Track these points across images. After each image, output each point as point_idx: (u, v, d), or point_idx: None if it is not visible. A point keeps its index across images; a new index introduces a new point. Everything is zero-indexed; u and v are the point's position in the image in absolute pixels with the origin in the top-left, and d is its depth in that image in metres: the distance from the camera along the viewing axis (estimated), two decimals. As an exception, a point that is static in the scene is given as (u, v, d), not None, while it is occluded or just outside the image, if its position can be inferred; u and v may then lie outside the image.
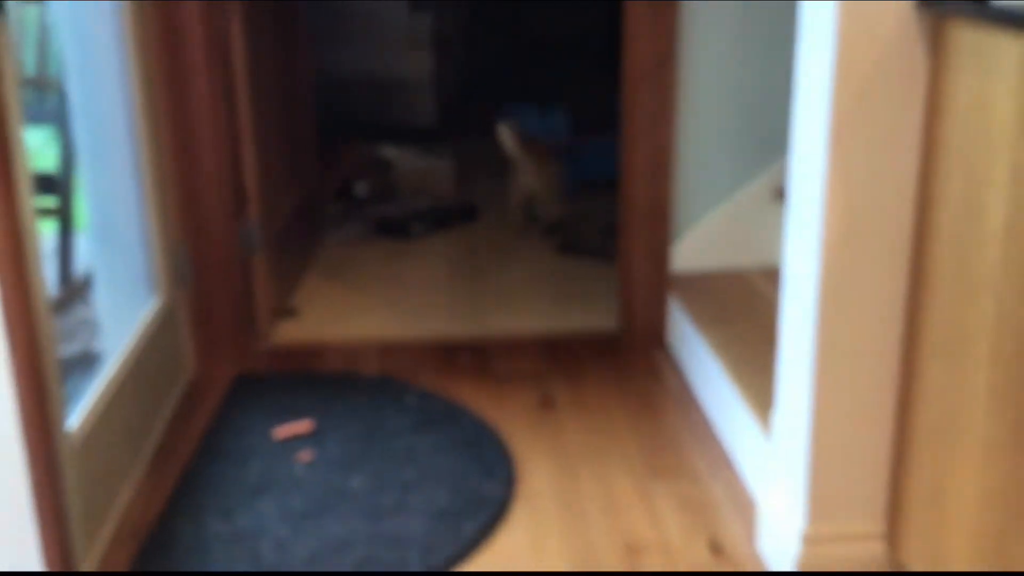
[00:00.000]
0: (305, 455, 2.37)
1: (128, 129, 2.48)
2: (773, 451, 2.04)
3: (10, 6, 1.72)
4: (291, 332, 3.12)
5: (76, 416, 2.01)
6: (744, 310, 2.67)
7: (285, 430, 2.48)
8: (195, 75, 2.67)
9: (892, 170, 1.72)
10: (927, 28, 1.66)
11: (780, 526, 1.97)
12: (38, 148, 3.59)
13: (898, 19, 1.66)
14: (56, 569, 1.83)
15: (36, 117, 3.48)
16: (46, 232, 3.41)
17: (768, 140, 2.83)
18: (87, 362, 2.74)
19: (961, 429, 1.61)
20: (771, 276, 2.80)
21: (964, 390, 1.59)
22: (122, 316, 2.50)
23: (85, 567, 1.95)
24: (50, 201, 3.32)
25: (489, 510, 2.17)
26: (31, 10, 3.45)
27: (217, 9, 2.71)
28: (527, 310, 3.29)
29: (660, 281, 2.94)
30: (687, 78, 2.80)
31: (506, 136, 3.96)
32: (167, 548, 2.07)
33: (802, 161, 1.82)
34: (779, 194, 2.80)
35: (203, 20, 2.65)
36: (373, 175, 4.38)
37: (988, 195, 1.50)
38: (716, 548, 2.08)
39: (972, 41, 1.55)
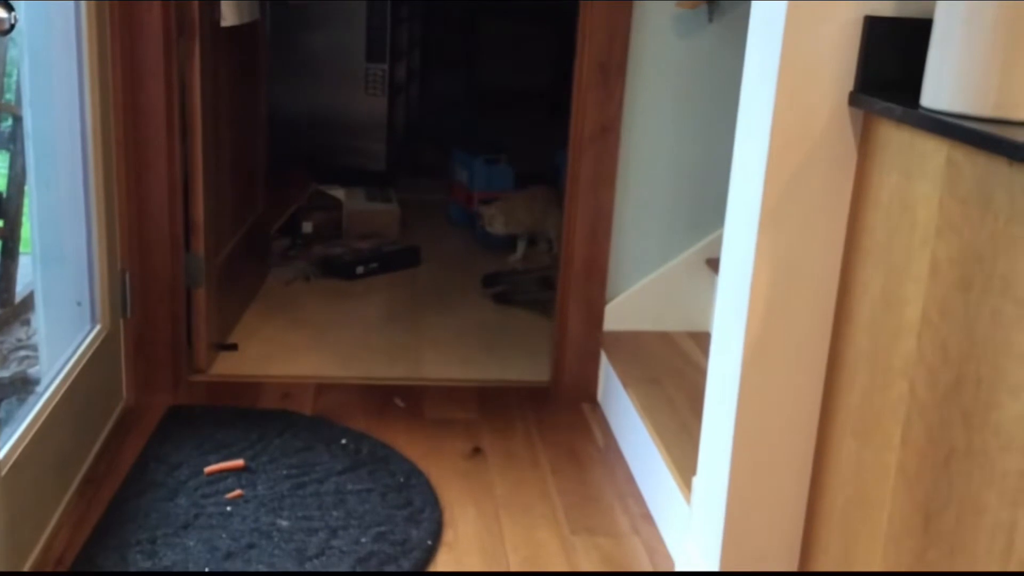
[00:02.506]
0: (235, 492, 2.39)
1: (81, 157, 2.50)
2: (692, 514, 2.11)
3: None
4: (229, 366, 3.14)
5: (6, 443, 2.00)
6: (673, 374, 2.74)
7: (216, 467, 2.49)
8: (153, 109, 2.71)
9: (817, 255, 1.80)
10: (858, 124, 1.75)
11: (695, 588, 2.03)
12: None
13: (831, 113, 1.74)
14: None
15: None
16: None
17: (703, 213, 2.94)
18: (23, 386, 2.73)
19: (871, 505, 1.68)
20: (700, 342, 2.89)
21: (875, 469, 1.66)
22: (61, 341, 2.51)
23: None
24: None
25: (414, 557, 2.20)
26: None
27: (179, 47, 2.76)
28: (462, 357, 3.34)
29: (593, 338, 3.01)
30: (630, 148, 2.89)
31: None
32: (90, 579, 2.07)
33: (733, 237, 1.90)
34: (711, 265, 2.90)
35: (164, 57, 2.70)
36: (320, 214, 4.43)
37: (906, 288, 1.57)
38: (632, 606, 2.14)
39: (899, 141, 1.62)
